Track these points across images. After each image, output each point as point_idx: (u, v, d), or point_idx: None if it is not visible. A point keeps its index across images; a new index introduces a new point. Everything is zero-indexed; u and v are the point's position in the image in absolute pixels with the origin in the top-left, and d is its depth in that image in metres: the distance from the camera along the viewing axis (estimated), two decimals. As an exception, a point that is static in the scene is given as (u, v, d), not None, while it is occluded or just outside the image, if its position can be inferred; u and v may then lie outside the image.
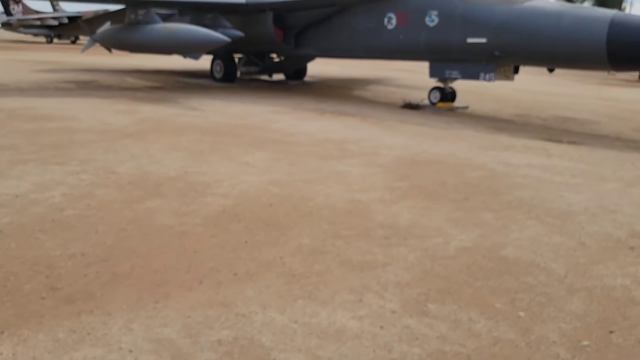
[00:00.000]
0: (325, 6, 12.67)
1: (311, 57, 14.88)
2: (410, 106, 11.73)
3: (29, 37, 43.82)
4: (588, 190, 5.39)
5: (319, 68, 22.43)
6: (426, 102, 12.01)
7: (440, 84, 11.84)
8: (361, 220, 4.24)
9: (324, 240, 3.79)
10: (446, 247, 3.76)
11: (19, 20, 40.18)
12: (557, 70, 24.32)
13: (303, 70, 17.14)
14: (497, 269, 3.44)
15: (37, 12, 41.76)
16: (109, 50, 14.86)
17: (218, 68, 15.17)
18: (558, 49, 9.43)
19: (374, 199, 4.83)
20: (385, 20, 11.69)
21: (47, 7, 44.35)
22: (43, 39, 42.75)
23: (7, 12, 43.26)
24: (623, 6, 44.76)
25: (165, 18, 14.58)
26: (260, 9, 13.31)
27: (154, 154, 6.09)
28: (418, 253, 3.64)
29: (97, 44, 13.97)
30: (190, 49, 11.74)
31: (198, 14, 13.68)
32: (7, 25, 44.26)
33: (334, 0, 12.41)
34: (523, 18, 9.74)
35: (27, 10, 43.05)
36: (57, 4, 44.97)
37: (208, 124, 8.32)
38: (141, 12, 12.44)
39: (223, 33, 12.60)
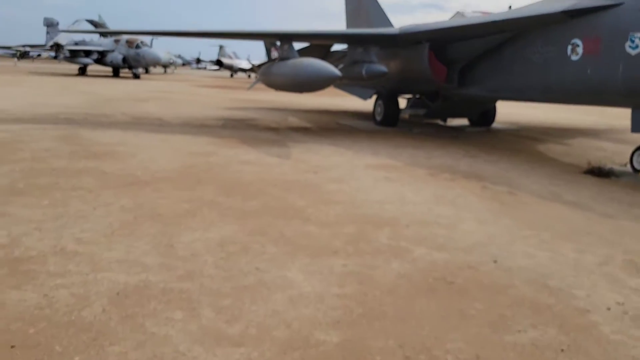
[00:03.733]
0: (492, 33, 9.74)
1: (484, 99, 11.78)
2: (598, 172, 7.93)
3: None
4: None
5: (533, 112, 18.59)
6: (627, 167, 8.04)
7: (653, 143, 7.76)
8: None
9: None
10: None
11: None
12: None
13: (491, 115, 13.97)
14: None
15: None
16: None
17: (379, 109, 13.33)
18: None
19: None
20: (569, 48, 8.24)
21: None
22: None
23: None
24: None
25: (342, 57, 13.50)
26: (415, 39, 11.07)
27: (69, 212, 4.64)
28: None
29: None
30: (301, 84, 10.18)
31: (350, 48, 12.20)
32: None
33: (504, 25, 9.40)
34: None
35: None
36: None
37: (251, 176, 6.57)
38: (285, 47, 11.52)
39: (366, 69, 10.86)
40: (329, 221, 4.82)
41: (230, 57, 63.61)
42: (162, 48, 64.93)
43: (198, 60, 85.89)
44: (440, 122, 14.25)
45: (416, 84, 11.93)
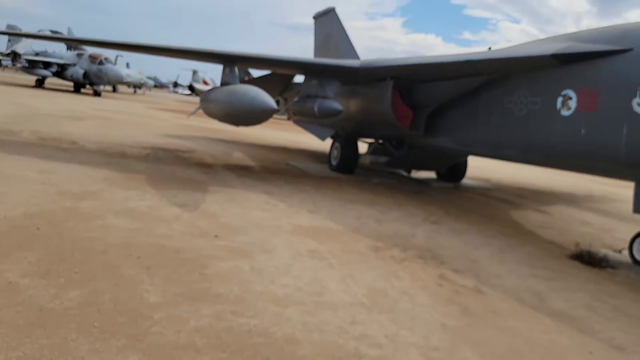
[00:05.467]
0: (467, 75, 8.13)
1: (453, 153, 10.06)
2: (588, 259, 6.22)
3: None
4: None
5: (505, 168, 17.14)
6: (622, 254, 6.39)
7: (660, 228, 6.12)
8: None
9: None
10: None
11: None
12: None
13: (461, 169, 12.34)
14: None
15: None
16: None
17: (335, 153, 11.55)
18: None
19: None
20: (559, 100, 6.65)
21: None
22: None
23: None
24: None
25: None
26: (378, 75, 9.42)
27: None
28: None
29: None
30: (233, 116, 8.35)
31: (306, 80, 10.50)
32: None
33: (481, 67, 7.80)
34: None
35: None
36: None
37: (114, 238, 4.60)
38: (226, 70, 9.75)
39: (319, 105, 9.12)
40: (177, 345, 2.87)
41: (206, 83, 61.92)
42: (135, 68, 62.84)
43: (175, 84, 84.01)
44: (404, 173, 12.55)
45: (377, 128, 10.23)
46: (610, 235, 8.09)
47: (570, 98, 6.49)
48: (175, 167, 9.16)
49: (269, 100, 7.64)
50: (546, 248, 6.76)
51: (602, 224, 9.12)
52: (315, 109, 9.36)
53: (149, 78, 71.49)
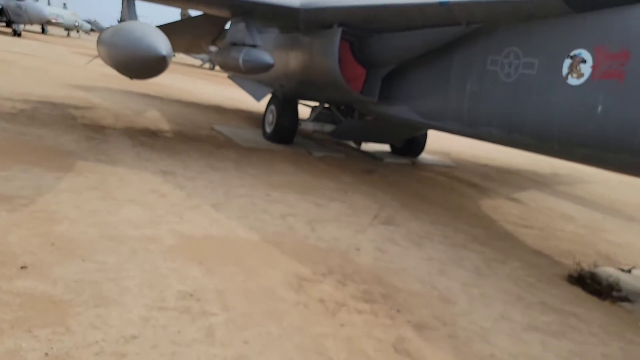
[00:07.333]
0: (439, 24, 6.10)
1: (415, 125, 8.07)
2: (591, 284, 4.54)
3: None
4: None
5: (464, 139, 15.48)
6: (635, 277, 4.75)
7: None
8: None
9: None
10: None
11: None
12: None
13: (419, 142, 10.47)
14: None
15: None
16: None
17: (270, 117, 9.39)
18: None
19: None
20: (566, 63, 4.75)
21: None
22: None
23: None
24: None
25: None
26: (323, 20, 7.27)
27: None
28: None
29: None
30: (117, 61, 6.08)
31: (232, 23, 8.22)
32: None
33: (459, 13, 5.78)
34: None
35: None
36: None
37: None
38: (124, 3, 7.33)
39: (245, 55, 6.92)
40: None
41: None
42: (73, 9, 57.32)
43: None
44: (353, 145, 10.59)
45: (321, 89, 8.12)
46: (603, 238, 6.50)
47: (584, 61, 4.61)
48: (47, 131, 6.81)
49: (159, 43, 5.34)
50: (534, 264, 5.03)
51: (587, 219, 7.55)
52: (240, 60, 7.14)
53: (87, 21, 65.48)
